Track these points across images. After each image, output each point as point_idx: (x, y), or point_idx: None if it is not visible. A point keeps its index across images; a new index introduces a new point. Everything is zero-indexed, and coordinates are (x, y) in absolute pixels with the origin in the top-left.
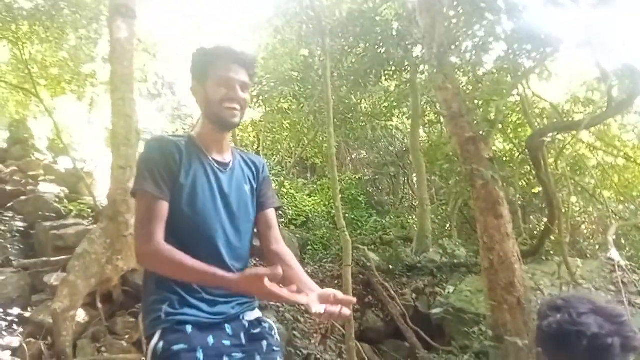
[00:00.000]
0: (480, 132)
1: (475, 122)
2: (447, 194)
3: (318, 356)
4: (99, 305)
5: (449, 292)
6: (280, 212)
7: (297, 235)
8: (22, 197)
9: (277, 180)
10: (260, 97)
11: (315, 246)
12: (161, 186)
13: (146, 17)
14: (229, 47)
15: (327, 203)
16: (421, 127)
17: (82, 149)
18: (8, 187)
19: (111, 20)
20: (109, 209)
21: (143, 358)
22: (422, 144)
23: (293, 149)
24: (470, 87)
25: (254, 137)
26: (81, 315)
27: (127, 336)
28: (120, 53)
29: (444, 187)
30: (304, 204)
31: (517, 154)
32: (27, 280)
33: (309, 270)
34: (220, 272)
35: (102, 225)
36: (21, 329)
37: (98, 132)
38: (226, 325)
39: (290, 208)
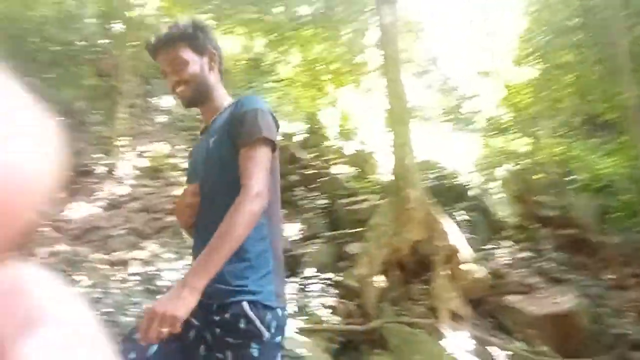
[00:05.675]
0: None
1: None
2: None
3: (632, 336)
4: (395, 272)
5: None
6: (571, 177)
7: (595, 202)
8: (323, 178)
9: (564, 143)
10: (536, 54)
11: (620, 213)
12: None
13: None
14: (148, 44)
15: (630, 164)
16: None
17: (363, 132)
18: (310, 171)
19: (378, 8)
20: (393, 184)
21: (439, 324)
22: None
23: (578, 106)
24: None
25: (529, 98)
26: (380, 281)
27: (421, 302)
28: (388, 37)
29: None
30: (599, 166)
31: None
32: (333, 249)
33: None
34: None
35: (388, 200)
36: (335, 291)
37: (375, 115)
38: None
39: (580, 172)
